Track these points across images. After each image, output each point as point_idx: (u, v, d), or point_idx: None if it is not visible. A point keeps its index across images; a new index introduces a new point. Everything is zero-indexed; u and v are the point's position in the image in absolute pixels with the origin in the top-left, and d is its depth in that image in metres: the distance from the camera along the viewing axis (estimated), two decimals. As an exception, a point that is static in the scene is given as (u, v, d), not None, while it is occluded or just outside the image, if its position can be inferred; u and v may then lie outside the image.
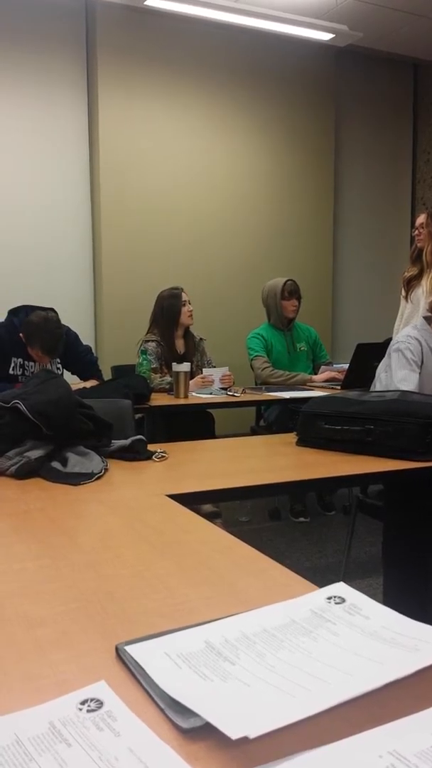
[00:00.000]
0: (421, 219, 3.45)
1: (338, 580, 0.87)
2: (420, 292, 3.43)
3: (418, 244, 3.46)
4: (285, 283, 3.96)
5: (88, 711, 0.59)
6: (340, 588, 0.85)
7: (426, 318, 2.62)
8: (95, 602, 0.85)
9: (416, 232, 3.47)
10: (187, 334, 3.79)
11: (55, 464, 1.55)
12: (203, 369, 3.68)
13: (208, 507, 2.98)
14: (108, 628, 0.77)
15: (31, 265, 4.38)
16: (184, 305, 3.68)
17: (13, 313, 3.32)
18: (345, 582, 0.86)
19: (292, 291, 3.97)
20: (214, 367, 3.79)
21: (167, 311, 3.67)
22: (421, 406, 1.78)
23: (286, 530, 3.62)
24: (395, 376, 2.50)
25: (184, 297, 3.70)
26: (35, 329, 3.13)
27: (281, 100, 5.14)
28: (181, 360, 3.62)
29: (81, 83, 4.58)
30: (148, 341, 3.63)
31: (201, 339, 3.87)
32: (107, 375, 3.71)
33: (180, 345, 3.74)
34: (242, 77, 4.97)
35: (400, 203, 5.91)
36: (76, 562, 0.99)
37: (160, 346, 3.62)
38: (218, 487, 1.50)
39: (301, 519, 3.73)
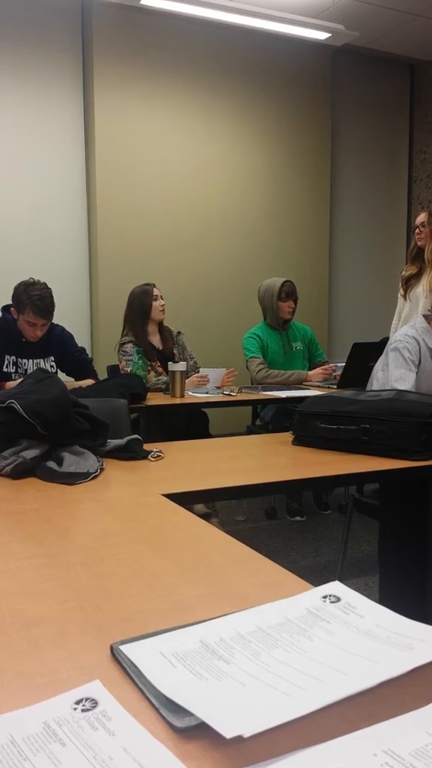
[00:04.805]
0: (421, 218, 3.45)
1: (334, 579, 0.87)
2: (419, 291, 3.43)
3: (419, 243, 3.46)
4: (283, 284, 3.95)
5: (82, 710, 0.59)
6: (335, 587, 0.85)
7: (425, 316, 2.63)
8: (91, 601, 0.84)
9: (417, 230, 3.47)
10: (163, 329, 3.78)
11: (51, 464, 1.55)
12: (198, 368, 3.68)
13: (200, 507, 2.98)
14: (103, 627, 0.77)
15: (26, 263, 4.37)
16: (155, 300, 3.67)
17: (5, 310, 3.32)
18: (341, 581, 0.86)
19: (289, 292, 3.96)
20: (196, 362, 3.79)
21: (137, 308, 3.66)
22: (417, 405, 1.78)
23: (282, 529, 3.63)
24: (392, 375, 2.50)
25: (155, 292, 3.69)
26: (22, 292, 3.16)
27: (277, 100, 5.14)
28: (160, 355, 3.62)
29: (77, 82, 4.58)
30: (124, 344, 3.62)
31: (179, 333, 3.85)
32: (102, 374, 3.70)
33: (156, 341, 3.73)
34: (238, 76, 4.97)
35: (397, 202, 5.92)
36: (72, 561, 0.99)
37: (136, 346, 3.61)
38: (214, 486, 1.50)
39: (297, 518, 3.73)
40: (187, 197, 4.89)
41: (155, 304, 3.67)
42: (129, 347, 3.57)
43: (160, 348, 3.71)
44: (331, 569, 3.02)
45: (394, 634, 0.73)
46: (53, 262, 4.55)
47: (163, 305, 3.69)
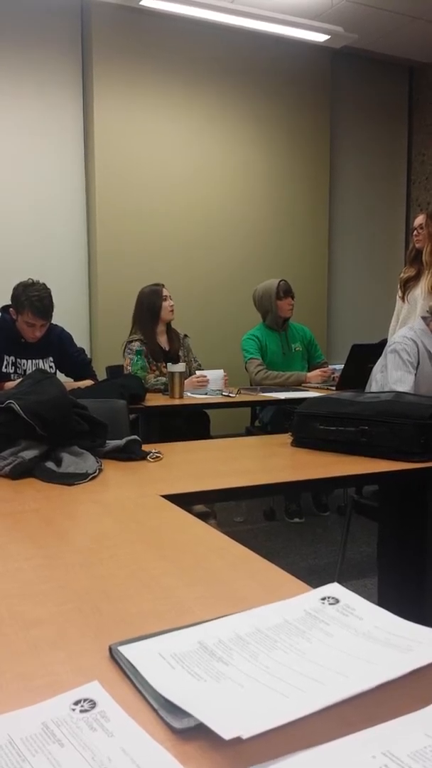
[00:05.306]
0: (419, 220, 3.45)
1: (333, 581, 0.87)
2: (417, 293, 3.43)
3: (417, 245, 3.46)
4: (279, 284, 3.96)
5: (81, 711, 0.59)
6: (334, 589, 0.85)
7: (424, 318, 2.63)
8: (89, 602, 0.84)
9: (415, 232, 3.47)
10: (170, 331, 3.79)
11: (50, 464, 1.55)
12: (196, 370, 3.68)
13: (199, 507, 2.98)
14: (102, 629, 0.77)
15: (25, 264, 4.37)
16: (165, 300, 3.69)
17: (4, 310, 3.32)
18: (339, 582, 0.86)
19: (286, 290, 3.98)
20: (201, 365, 3.79)
21: (148, 308, 3.67)
22: (415, 407, 1.78)
23: (281, 531, 3.62)
24: (391, 376, 2.50)
25: (165, 292, 3.70)
26: (21, 293, 3.16)
27: (277, 101, 5.15)
28: (166, 356, 3.62)
29: (76, 83, 4.58)
30: (131, 342, 3.63)
31: (185, 336, 3.86)
32: (101, 375, 3.70)
33: (163, 341, 3.74)
34: (237, 78, 4.97)
35: (395, 204, 5.92)
36: (70, 562, 0.99)
37: (144, 345, 3.62)
38: (213, 487, 1.50)
39: (296, 519, 3.73)
40: (187, 198, 4.89)
41: (165, 304, 3.68)
42: (135, 346, 3.59)
43: (167, 349, 3.71)
44: (330, 571, 3.02)
45: (393, 636, 0.73)
46: (53, 263, 4.55)
47: (172, 305, 3.71)
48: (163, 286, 3.72)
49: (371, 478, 1.72)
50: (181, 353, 3.75)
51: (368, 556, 3.15)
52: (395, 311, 3.67)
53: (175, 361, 3.49)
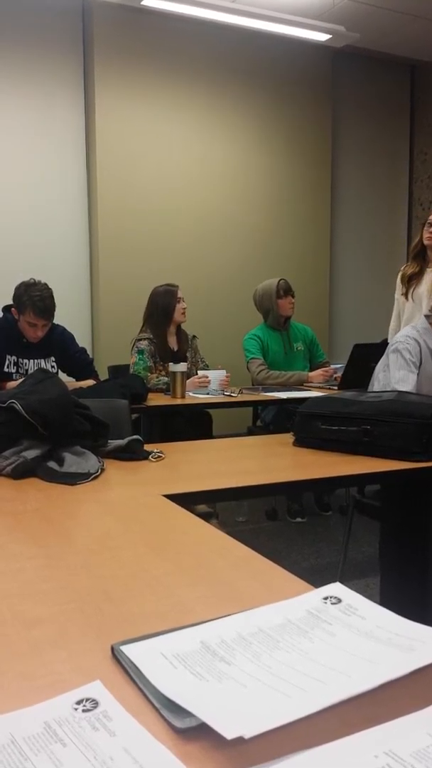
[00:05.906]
0: None
1: (335, 581, 0.87)
2: (422, 291, 3.40)
3: (425, 241, 3.41)
4: (278, 283, 3.96)
5: (83, 711, 0.59)
6: (336, 588, 0.85)
7: (426, 317, 2.62)
8: (91, 602, 0.84)
9: (430, 228, 3.39)
10: (180, 332, 3.79)
11: (52, 464, 1.55)
12: (198, 370, 3.68)
13: (202, 507, 2.97)
14: (104, 628, 0.77)
15: (27, 264, 4.37)
16: (179, 302, 3.69)
17: (6, 310, 3.33)
18: (342, 582, 0.86)
19: (286, 289, 3.98)
20: (207, 366, 3.79)
21: (162, 308, 3.67)
22: (417, 406, 1.78)
23: (283, 530, 3.62)
24: (393, 376, 2.50)
25: (179, 294, 3.70)
26: (23, 292, 3.17)
27: (278, 101, 5.15)
28: (174, 357, 3.62)
29: (78, 83, 4.58)
30: (140, 340, 3.63)
31: (194, 336, 3.86)
32: (103, 374, 3.70)
33: (173, 342, 3.74)
34: (239, 77, 4.97)
35: (397, 203, 5.92)
36: (72, 562, 0.99)
37: (152, 344, 3.61)
38: (215, 487, 1.50)
39: (298, 519, 3.73)
40: (188, 198, 4.89)
41: (178, 306, 3.67)
42: (141, 345, 3.58)
43: (175, 350, 3.71)
44: (332, 570, 3.02)
45: (395, 635, 0.73)
46: (54, 263, 4.55)
47: (184, 308, 3.70)
48: (178, 287, 3.72)
49: (373, 477, 1.72)
50: (188, 354, 3.75)
51: (370, 555, 3.15)
52: (395, 310, 3.66)
53: (184, 362, 3.49)
